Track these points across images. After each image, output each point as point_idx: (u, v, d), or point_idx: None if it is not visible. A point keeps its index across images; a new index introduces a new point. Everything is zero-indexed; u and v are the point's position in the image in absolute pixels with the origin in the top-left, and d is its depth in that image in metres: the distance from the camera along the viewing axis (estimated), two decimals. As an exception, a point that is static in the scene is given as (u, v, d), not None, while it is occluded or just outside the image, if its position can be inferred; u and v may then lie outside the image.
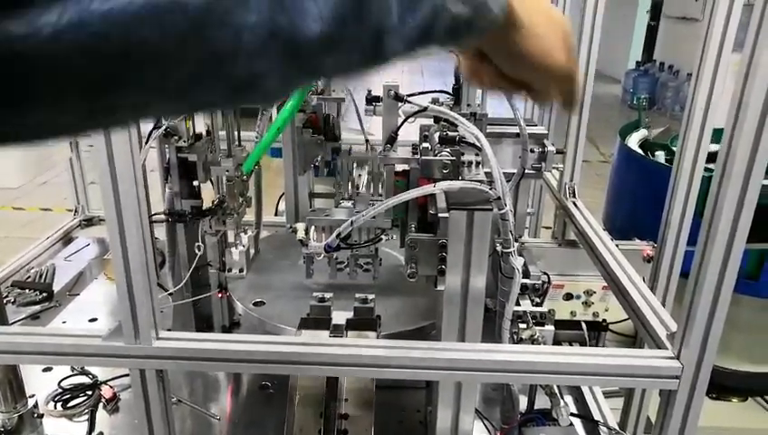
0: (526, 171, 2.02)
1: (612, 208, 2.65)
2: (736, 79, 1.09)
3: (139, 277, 1.22)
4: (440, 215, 1.30)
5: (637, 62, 9.94)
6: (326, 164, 2.34)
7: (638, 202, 2.37)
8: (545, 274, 2.07)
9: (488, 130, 2.04)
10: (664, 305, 1.84)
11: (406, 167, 1.58)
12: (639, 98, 2.61)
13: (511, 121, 2.05)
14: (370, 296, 1.68)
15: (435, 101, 2.07)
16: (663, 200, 2.01)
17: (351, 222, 1.36)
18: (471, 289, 1.34)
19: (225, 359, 1.25)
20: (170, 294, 2.19)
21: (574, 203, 2.13)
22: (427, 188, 1.32)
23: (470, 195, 1.33)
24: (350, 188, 2.34)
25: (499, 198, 1.32)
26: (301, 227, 1.61)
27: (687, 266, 1.87)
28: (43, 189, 5.15)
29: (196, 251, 1.92)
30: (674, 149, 2.46)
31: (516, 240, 2.13)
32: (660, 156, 2.48)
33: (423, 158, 1.48)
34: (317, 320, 1.62)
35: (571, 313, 2.08)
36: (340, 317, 1.67)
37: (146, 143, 1.74)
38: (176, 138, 1.74)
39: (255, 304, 1.84)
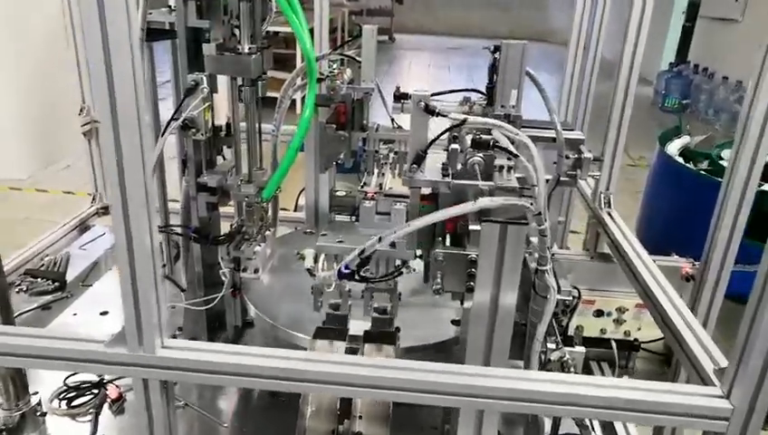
0: (560, 178, 1.91)
1: (647, 218, 2.50)
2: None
3: (144, 280, 1.14)
4: (471, 227, 1.20)
5: (670, 64, 9.65)
6: (352, 154, 2.24)
7: (676, 214, 2.23)
8: (576, 288, 1.96)
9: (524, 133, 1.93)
10: (705, 329, 1.71)
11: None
12: (680, 103, 2.44)
13: (546, 124, 1.93)
14: (389, 306, 1.59)
15: (466, 101, 1.96)
16: (704, 213, 1.87)
17: (380, 238, 1.24)
18: (500, 308, 1.24)
19: (234, 373, 1.17)
20: (183, 291, 2.13)
21: (609, 214, 2.01)
22: (465, 206, 1.19)
23: (503, 206, 1.23)
24: (375, 173, 2.21)
25: (540, 213, 1.22)
26: (309, 254, 1.49)
27: (733, 288, 1.76)
28: (66, 174, 5.15)
29: (222, 278, 1.85)
30: (720, 159, 2.31)
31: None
32: (703, 165, 2.33)
33: (455, 182, 1.33)
34: (333, 330, 1.53)
35: (601, 330, 1.96)
36: (357, 328, 1.58)
37: (162, 135, 1.66)
38: (193, 130, 1.65)
39: (269, 307, 1.77)
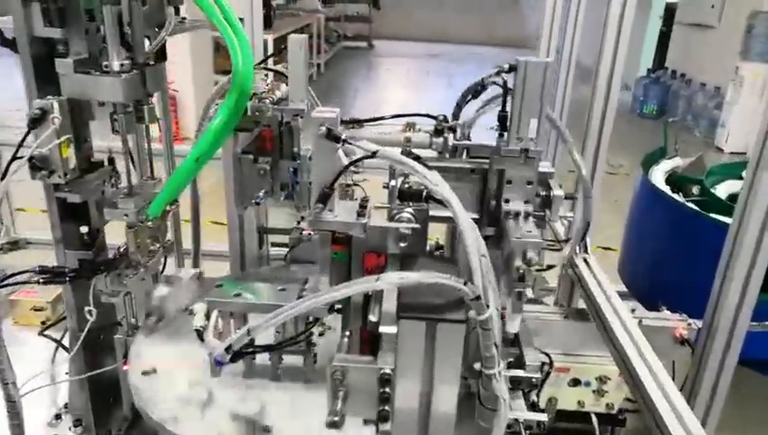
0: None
1: (630, 259, 2.14)
2: None
3: None
4: (382, 329, 0.84)
5: (648, 70, 9.46)
6: (282, 187, 1.87)
7: (663, 256, 1.89)
8: (545, 353, 1.61)
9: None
10: (711, 405, 1.38)
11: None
12: (667, 121, 2.15)
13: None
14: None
15: (410, 127, 1.61)
16: (699, 257, 1.55)
17: (248, 331, 0.88)
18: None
19: None
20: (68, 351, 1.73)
21: (585, 260, 1.66)
22: (366, 284, 0.85)
23: (436, 291, 0.87)
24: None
25: (479, 296, 0.86)
26: (200, 310, 1.13)
27: (749, 352, 1.42)
28: None
29: (87, 316, 1.45)
30: (720, 189, 1.95)
31: (504, 308, 1.67)
32: (694, 193, 1.97)
33: (372, 225, 1.01)
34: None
35: (579, 402, 1.61)
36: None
37: (2, 178, 1.27)
38: (44, 172, 1.26)
39: (150, 395, 1.38)
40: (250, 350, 1.00)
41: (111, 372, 1.64)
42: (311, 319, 1.17)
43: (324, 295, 0.83)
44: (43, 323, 2.23)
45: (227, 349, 0.91)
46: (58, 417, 1.69)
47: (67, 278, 1.38)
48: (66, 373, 1.78)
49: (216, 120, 1.40)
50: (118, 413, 1.70)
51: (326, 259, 1.10)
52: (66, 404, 1.72)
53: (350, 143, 0.99)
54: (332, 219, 1.04)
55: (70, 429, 1.64)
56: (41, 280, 1.36)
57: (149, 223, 1.42)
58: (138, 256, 1.45)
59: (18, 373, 1.51)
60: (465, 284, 0.84)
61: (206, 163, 1.41)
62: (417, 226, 1.00)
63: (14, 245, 2.77)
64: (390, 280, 0.83)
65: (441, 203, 1.06)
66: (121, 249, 1.51)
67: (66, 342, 1.73)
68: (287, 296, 1.18)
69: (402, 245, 1.00)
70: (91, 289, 1.44)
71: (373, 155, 0.96)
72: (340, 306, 1.20)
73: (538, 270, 1.13)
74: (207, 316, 1.14)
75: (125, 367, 1.63)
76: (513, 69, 1.37)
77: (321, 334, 1.33)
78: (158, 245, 1.55)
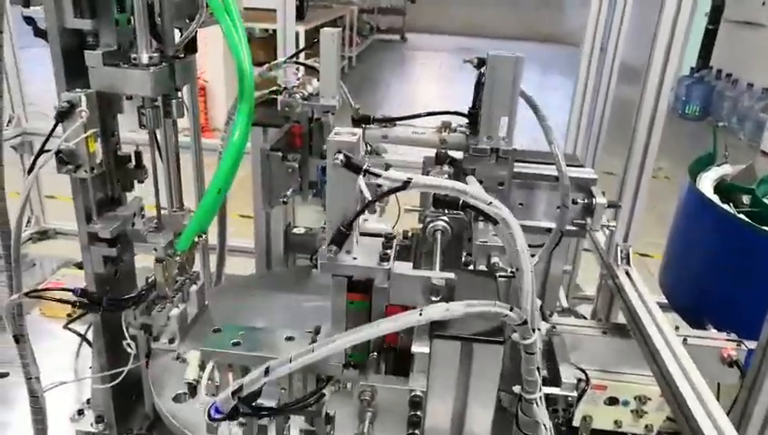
0: (567, 228, 1.48)
1: (673, 269, 2.02)
2: None
3: None
4: (415, 349, 0.77)
5: (691, 69, 9.15)
6: (311, 185, 1.82)
7: (711, 270, 1.77)
8: (581, 370, 1.54)
9: (517, 170, 1.51)
10: (764, 433, 1.29)
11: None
12: (717, 126, 2.01)
13: (548, 157, 1.51)
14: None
15: (445, 127, 1.54)
16: (750, 272, 1.45)
17: (267, 370, 0.79)
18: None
19: None
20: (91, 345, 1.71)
21: (627, 273, 1.57)
22: (407, 318, 0.75)
23: (469, 314, 0.80)
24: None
25: (526, 321, 0.78)
26: (194, 358, 1.01)
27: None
28: None
29: (128, 349, 1.43)
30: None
31: (545, 319, 1.59)
32: (744, 203, 1.85)
33: (397, 272, 0.88)
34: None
35: (616, 422, 1.53)
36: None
37: (29, 172, 1.25)
38: (70, 166, 1.23)
39: (176, 398, 1.35)
40: (251, 411, 0.87)
41: (134, 369, 1.62)
42: (323, 377, 0.96)
43: (360, 332, 0.74)
44: (69, 315, 2.23)
45: (235, 392, 0.80)
46: (81, 412, 1.68)
47: (102, 307, 1.36)
48: (90, 368, 1.77)
49: (235, 137, 1.30)
50: (140, 411, 1.68)
51: (340, 310, 0.95)
52: (89, 399, 1.70)
53: (373, 173, 0.85)
54: (350, 263, 0.90)
55: (92, 425, 1.63)
56: (75, 304, 1.35)
57: (177, 257, 1.39)
58: (165, 288, 1.42)
59: (44, 366, 1.51)
60: (511, 309, 0.77)
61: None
62: (452, 276, 0.88)
63: (44, 234, 2.79)
64: (435, 314, 0.76)
65: (479, 211, 0.99)
66: (147, 282, 1.49)
67: (90, 336, 1.72)
68: (294, 347, 0.94)
69: (434, 299, 0.85)
70: (123, 322, 1.43)
71: (405, 186, 0.84)
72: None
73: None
74: (202, 367, 1.02)
75: (147, 364, 1.63)
76: (483, 63, 1.31)
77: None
78: (183, 277, 1.53)
